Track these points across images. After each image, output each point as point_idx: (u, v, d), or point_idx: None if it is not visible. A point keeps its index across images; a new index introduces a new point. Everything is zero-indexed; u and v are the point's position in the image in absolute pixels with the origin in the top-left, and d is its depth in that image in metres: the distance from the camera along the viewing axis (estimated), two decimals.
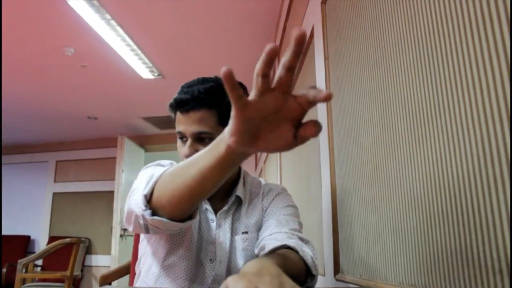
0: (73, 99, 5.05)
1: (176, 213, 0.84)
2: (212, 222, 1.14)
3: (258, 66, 0.52)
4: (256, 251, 1.09)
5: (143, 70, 4.12)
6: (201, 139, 1.08)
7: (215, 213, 1.16)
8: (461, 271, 0.62)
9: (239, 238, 1.15)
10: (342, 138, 1.30)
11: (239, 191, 1.19)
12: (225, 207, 1.16)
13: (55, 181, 6.94)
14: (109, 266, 5.56)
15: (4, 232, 6.53)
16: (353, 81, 1.19)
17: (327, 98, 0.54)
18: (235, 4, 3.02)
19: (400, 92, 0.85)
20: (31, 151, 7.21)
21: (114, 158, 6.01)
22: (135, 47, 3.61)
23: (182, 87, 1.11)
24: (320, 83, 1.57)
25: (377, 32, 0.99)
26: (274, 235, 1.06)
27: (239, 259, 1.13)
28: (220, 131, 1.00)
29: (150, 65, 4.00)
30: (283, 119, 0.58)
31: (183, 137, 1.10)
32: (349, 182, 1.23)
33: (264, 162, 4.32)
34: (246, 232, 1.15)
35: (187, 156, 1.05)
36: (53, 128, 6.33)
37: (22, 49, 3.70)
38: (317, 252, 1.64)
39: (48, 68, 4.14)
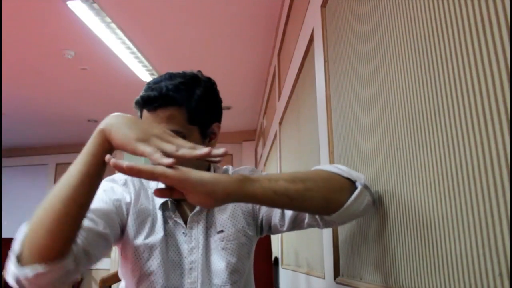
0: (73, 102, 5.05)
1: (57, 244, 0.76)
2: (184, 236, 1.08)
3: None
4: (285, 224, 1.05)
5: (143, 73, 4.13)
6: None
7: (186, 220, 1.09)
8: (461, 274, 0.62)
9: (215, 239, 1.09)
10: (342, 142, 1.30)
11: None
12: (197, 209, 1.09)
13: (54, 184, 6.92)
14: (108, 269, 5.56)
15: (3, 235, 6.52)
16: (353, 84, 1.19)
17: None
18: (235, 7, 3.03)
19: (400, 96, 0.85)
20: (31, 153, 7.21)
21: None
22: (135, 50, 3.62)
23: (149, 83, 1.04)
24: (320, 86, 1.58)
25: (377, 35, 0.99)
26: None
27: (219, 261, 1.08)
28: (190, 129, 1.02)
29: (150, 68, 4.01)
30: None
31: None
32: None
33: (264, 165, 4.32)
34: (222, 231, 1.09)
35: None
36: (53, 131, 6.33)
37: (22, 51, 3.70)
38: (317, 255, 1.64)
39: (48, 71, 4.14)
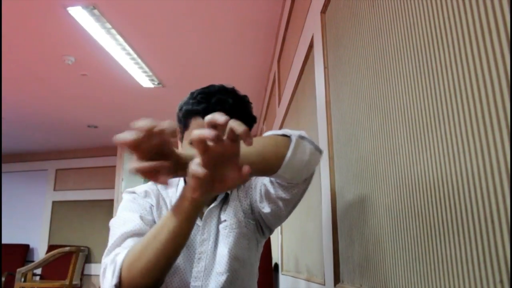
0: (73, 107, 5.06)
1: (151, 283, 0.87)
2: (198, 227, 1.15)
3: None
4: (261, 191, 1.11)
5: (143, 79, 4.14)
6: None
7: (202, 214, 1.16)
8: (462, 281, 0.61)
9: (221, 227, 1.16)
10: (342, 147, 1.30)
11: None
12: (215, 203, 1.17)
13: (54, 190, 6.94)
14: None
15: (3, 241, 6.51)
16: (353, 90, 1.19)
17: (244, 134, 0.69)
18: (235, 13, 3.04)
19: (400, 101, 0.85)
20: (31, 159, 7.22)
21: (114, 166, 6.02)
22: (135, 56, 3.63)
23: (205, 93, 1.11)
24: (320, 92, 1.58)
25: (377, 41, 1.00)
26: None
27: (223, 248, 1.14)
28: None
29: (150, 74, 4.02)
30: (227, 159, 0.72)
31: None
32: (349, 191, 1.23)
33: None
34: (225, 220, 1.16)
35: None
36: (53, 137, 6.34)
37: (23, 57, 3.72)
38: (317, 261, 1.64)
39: (48, 77, 4.15)
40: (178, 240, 0.84)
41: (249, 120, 1.16)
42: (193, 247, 1.14)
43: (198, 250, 1.14)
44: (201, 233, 1.15)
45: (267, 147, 0.92)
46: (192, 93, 1.15)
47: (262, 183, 1.11)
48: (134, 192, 1.19)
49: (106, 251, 1.00)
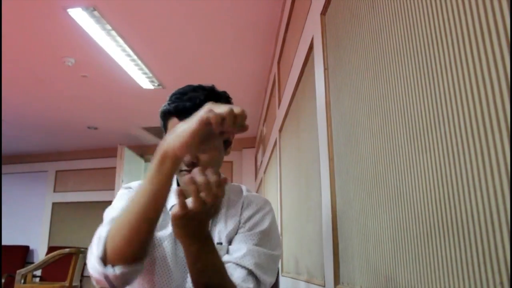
0: (73, 109, 5.06)
1: (135, 251, 0.90)
2: None
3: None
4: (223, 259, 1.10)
5: (143, 80, 4.14)
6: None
7: None
8: (462, 282, 0.61)
9: (220, 248, 1.13)
10: (342, 148, 1.30)
11: None
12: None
13: (54, 191, 6.94)
14: None
15: (3, 242, 6.50)
16: (353, 91, 1.19)
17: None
18: (235, 15, 3.04)
19: (400, 102, 0.85)
20: (31, 161, 7.21)
21: (114, 168, 6.01)
22: (135, 57, 3.63)
23: (176, 94, 1.12)
24: (320, 93, 1.58)
25: (377, 43, 1.00)
26: (238, 269, 1.09)
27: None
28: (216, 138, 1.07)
29: (150, 75, 4.02)
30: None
31: None
32: (349, 192, 1.23)
33: (264, 172, 4.32)
34: (220, 243, 1.14)
35: (189, 162, 1.06)
36: (53, 138, 6.34)
37: (23, 59, 3.72)
38: (317, 262, 1.64)
39: (48, 78, 4.15)
40: (159, 201, 0.87)
41: None
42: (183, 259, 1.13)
43: None
44: None
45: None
46: (170, 95, 1.17)
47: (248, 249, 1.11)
48: (130, 187, 1.21)
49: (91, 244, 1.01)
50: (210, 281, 0.97)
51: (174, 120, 1.11)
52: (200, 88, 1.14)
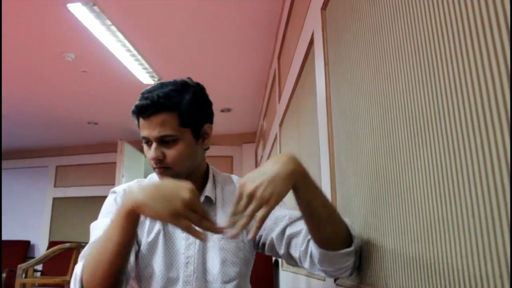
0: (73, 104, 5.06)
1: (111, 284, 0.94)
2: (182, 232, 1.15)
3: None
4: (296, 253, 1.10)
5: (144, 76, 4.13)
6: (165, 142, 1.10)
7: None
8: (462, 276, 0.62)
9: (214, 238, 1.16)
10: (342, 143, 1.31)
11: (208, 191, 1.20)
12: None
13: (55, 186, 6.94)
14: None
15: (4, 237, 6.52)
16: (353, 86, 1.19)
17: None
18: (235, 10, 3.03)
19: (400, 97, 0.85)
20: (31, 156, 7.22)
21: (114, 163, 6.01)
22: (135, 52, 3.62)
23: (143, 93, 1.13)
24: (320, 88, 1.58)
25: (377, 37, 1.00)
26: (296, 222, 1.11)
27: (215, 259, 1.15)
28: (182, 132, 1.11)
29: (151, 70, 4.01)
30: None
31: (148, 141, 1.12)
32: (349, 187, 1.23)
33: None
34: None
35: (153, 158, 1.09)
36: (53, 133, 6.34)
37: (22, 54, 3.71)
38: None
39: (48, 74, 4.15)
40: (127, 247, 0.93)
41: (187, 111, 1.11)
42: (178, 252, 1.15)
43: (184, 255, 1.15)
44: (186, 238, 1.16)
45: (341, 234, 1.00)
46: None
47: (301, 233, 1.10)
48: (115, 192, 1.22)
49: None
50: (339, 223, 0.99)
51: (140, 120, 1.12)
52: (169, 83, 1.14)
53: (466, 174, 0.60)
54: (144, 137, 1.11)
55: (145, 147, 1.13)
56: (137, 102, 1.11)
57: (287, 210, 1.16)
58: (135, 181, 1.27)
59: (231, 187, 1.25)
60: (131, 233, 0.91)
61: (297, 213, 1.11)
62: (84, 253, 1.03)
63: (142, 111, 1.09)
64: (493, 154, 0.54)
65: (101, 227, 1.06)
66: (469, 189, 0.59)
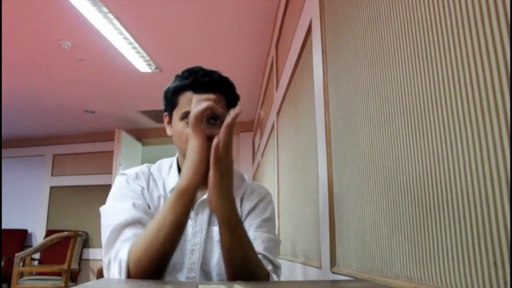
0: (70, 92, 5.04)
1: (159, 271, 0.98)
2: (190, 220, 1.16)
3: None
4: None
5: (141, 64, 4.11)
6: (214, 120, 1.11)
7: (193, 206, 1.17)
8: (457, 263, 0.62)
9: (215, 230, 1.17)
10: (339, 131, 1.31)
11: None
12: (205, 196, 1.16)
13: (52, 175, 6.94)
14: None
15: (1, 226, 6.53)
16: (351, 75, 1.19)
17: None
18: None
19: (398, 86, 0.85)
20: (28, 145, 7.20)
21: (111, 151, 6.01)
22: (132, 40, 3.60)
23: (190, 71, 1.16)
24: (318, 76, 1.57)
25: (375, 26, 0.99)
26: None
27: (214, 250, 1.16)
28: (225, 114, 1.13)
29: (148, 58, 3.99)
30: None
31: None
32: (346, 175, 1.23)
33: (262, 156, 4.33)
34: None
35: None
36: (50, 122, 6.32)
37: (18, 42, 3.68)
38: (313, 245, 1.65)
39: (44, 62, 4.12)
40: (181, 229, 0.97)
41: (234, 95, 1.21)
42: (185, 239, 1.16)
43: (191, 242, 1.16)
44: (193, 225, 1.17)
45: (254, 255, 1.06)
46: (177, 75, 1.20)
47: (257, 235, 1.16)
48: (125, 174, 1.21)
49: (104, 244, 1.05)
50: (245, 255, 1.02)
51: (187, 94, 1.14)
52: (210, 70, 1.18)
53: (462, 162, 0.60)
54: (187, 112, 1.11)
55: (183, 124, 1.14)
56: (189, 79, 1.14)
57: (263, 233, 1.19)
58: (144, 165, 1.27)
59: (239, 184, 1.26)
60: (185, 213, 0.97)
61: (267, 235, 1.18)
62: (109, 239, 1.04)
63: (201, 87, 1.12)
64: (490, 143, 0.54)
65: (120, 211, 1.08)
66: (465, 177, 0.60)
